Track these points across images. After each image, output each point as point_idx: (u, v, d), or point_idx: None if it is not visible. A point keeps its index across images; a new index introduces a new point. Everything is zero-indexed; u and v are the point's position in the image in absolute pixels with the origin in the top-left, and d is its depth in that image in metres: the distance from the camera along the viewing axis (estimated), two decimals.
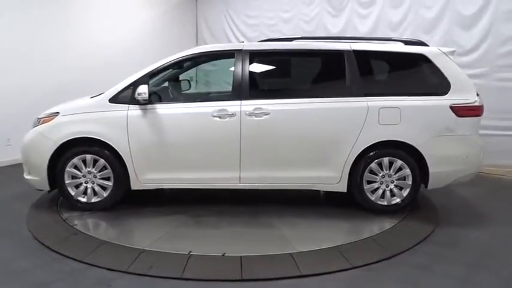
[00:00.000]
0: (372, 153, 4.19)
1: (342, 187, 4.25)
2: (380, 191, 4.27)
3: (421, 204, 4.66)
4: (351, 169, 4.20)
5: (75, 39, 7.03)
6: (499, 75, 6.13)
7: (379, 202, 4.29)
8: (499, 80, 6.14)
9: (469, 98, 4.19)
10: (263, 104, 4.15)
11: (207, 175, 4.24)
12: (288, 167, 4.22)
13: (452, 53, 4.37)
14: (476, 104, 4.20)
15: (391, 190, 4.27)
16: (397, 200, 4.28)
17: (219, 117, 4.14)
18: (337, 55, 4.26)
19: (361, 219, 4.21)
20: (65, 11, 6.92)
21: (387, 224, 4.09)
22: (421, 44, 4.39)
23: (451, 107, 4.13)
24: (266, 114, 4.13)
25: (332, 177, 4.22)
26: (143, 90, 4.05)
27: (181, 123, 4.19)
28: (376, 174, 4.24)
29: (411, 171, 4.21)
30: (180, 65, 4.52)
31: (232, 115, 4.13)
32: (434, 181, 4.22)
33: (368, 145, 4.14)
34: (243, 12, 8.75)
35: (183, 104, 4.37)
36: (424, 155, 4.13)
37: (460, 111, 4.14)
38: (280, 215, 4.25)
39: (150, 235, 3.79)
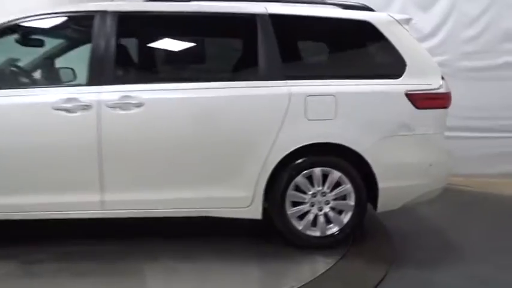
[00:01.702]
0: (297, 162, 2.88)
1: (255, 212, 2.90)
2: (310, 217, 2.96)
3: (368, 233, 3.37)
4: (267, 186, 2.87)
5: None
6: (464, 64, 5.03)
7: (309, 232, 2.97)
8: (464, 70, 5.03)
9: (432, 83, 2.97)
10: (134, 90, 2.77)
11: (49, 199, 2.79)
12: (173, 185, 2.85)
13: (408, 21, 3.15)
14: (442, 90, 2.98)
15: (326, 215, 2.96)
16: (335, 229, 2.98)
17: (66, 110, 2.72)
18: (247, 21, 2.94)
19: (281, 260, 2.87)
20: None
21: (320, 266, 2.79)
22: (366, 8, 3.14)
23: (407, 95, 2.89)
24: (138, 105, 2.74)
25: (239, 199, 2.88)
26: None
27: (2, 120, 2.74)
28: (305, 193, 2.93)
29: (354, 188, 2.93)
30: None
31: (86, 107, 2.72)
32: (385, 201, 2.95)
33: (291, 150, 2.83)
34: None
35: (6, 90, 2.83)
36: (370, 164, 2.86)
37: (420, 100, 2.91)
38: (158, 255, 2.86)
39: None
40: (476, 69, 4.97)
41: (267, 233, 3.11)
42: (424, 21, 5.15)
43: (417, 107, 2.89)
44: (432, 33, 5.16)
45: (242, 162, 2.83)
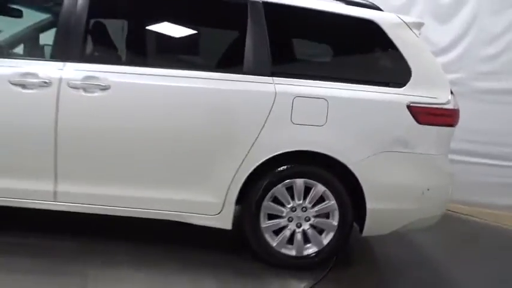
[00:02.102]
0: (278, 170, 2.55)
1: (224, 221, 2.57)
2: (287, 233, 2.62)
3: (354, 258, 3.02)
4: (240, 193, 2.53)
5: None
6: (479, 85, 4.63)
7: (284, 251, 2.63)
8: (478, 90, 4.63)
9: (439, 96, 2.62)
10: (101, 71, 2.46)
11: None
12: (134, 182, 2.53)
13: (419, 26, 2.80)
14: (450, 106, 2.63)
15: (304, 233, 2.62)
16: (313, 250, 2.64)
17: (22, 85, 2.42)
18: (236, 6, 2.62)
19: (247, 278, 2.54)
20: None
21: None
22: (373, 7, 2.80)
23: (409, 107, 2.55)
24: (104, 88, 2.43)
25: (207, 204, 2.55)
26: None
27: None
28: (283, 205, 2.59)
29: (339, 205, 2.58)
30: None
31: (45, 84, 2.41)
32: (373, 224, 2.61)
33: (271, 156, 2.50)
34: None
35: None
36: (360, 180, 2.52)
37: (423, 115, 2.56)
38: (112, 259, 2.53)
39: None
40: (491, 91, 4.57)
41: (239, 247, 2.78)
42: (441, 34, 4.77)
43: (419, 122, 2.55)
44: (448, 48, 4.77)
45: (214, 163, 2.50)
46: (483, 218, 4.34)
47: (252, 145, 2.48)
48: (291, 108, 2.49)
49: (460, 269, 3.08)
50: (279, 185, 2.56)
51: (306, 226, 2.61)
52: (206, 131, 2.49)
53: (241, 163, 2.49)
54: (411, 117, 2.54)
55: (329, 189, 2.57)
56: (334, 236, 2.61)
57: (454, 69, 4.59)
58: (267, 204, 2.57)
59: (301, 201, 2.58)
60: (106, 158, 2.49)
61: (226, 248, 2.84)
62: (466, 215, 4.45)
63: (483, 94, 4.60)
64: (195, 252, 2.74)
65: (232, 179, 2.50)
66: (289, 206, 2.59)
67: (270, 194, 2.56)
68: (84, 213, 2.55)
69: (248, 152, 2.48)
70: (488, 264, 3.25)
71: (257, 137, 2.48)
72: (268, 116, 2.49)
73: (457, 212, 4.31)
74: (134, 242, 2.76)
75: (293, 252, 2.63)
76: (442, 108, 2.60)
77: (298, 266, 2.65)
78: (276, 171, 2.55)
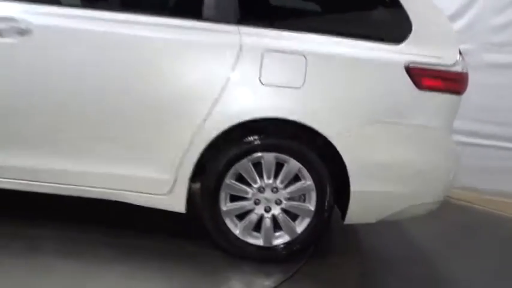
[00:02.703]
0: (243, 141, 2.07)
1: (176, 203, 2.10)
2: (253, 218, 2.15)
3: (335, 250, 2.57)
4: (196, 168, 2.06)
5: None
6: (490, 58, 4.11)
7: (249, 240, 2.17)
8: (489, 64, 4.11)
9: (444, 56, 2.12)
10: (21, 11, 1.96)
11: None
12: (62, 151, 2.05)
13: None
14: (457, 69, 2.13)
15: (275, 218, 2.16)
16: (285, 239, 2.18)
17: None
18: None
19: (198, 272, 2.08)
20: None
21: None
22: None
23: (407, 68, 2.05)
24: (24, 33, 1.93)
25: (155, 181, 2.08)
26: None
27: None
28: (249, 185, 2.12)
29: (316, 186, 2.11)
30: None
31: None
32: (358, 210, 2.14)
33: (234, 123, 2.01)
34: None
35: None
36: (342, 156, 2.04)
37: (424, 78, 2.07)
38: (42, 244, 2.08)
39: None
40: (504, 65, 4.06)
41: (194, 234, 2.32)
42: (448, 0, 4.25)
43: (419, 87, 2.06)
44: (455, 16, 4.24)
45: (162, 130, 2.03)
46: (490, 207, 3.86)
47: (211, 110, 2.00)
48: (260, 66, 2.00)
49: (458, 264, 2.62)
50: (244, 160, 2.08)
51: (276, 210, 2.15)
52: (153, 90, 2.00)
53: (197, 132, 2.01)
54: (409, 80, 2.05)
55: (305, 167, 2.09)
56: (310, 222, 2.15)
57: (463, 39, 4.05)
58: (229, 183, 2.11)
59: (270, 181, 2.11)
60: (25, 120, 2.01)
61: (179, 234, 2.37)
62: (468, 202, 3.98)
63: (496, 68, 4.09)
64: (137, 238, 2.27)
65: (186, 151, 2.03)
66: (256, 185, 2.12)
67: (232, 170, 2.09)
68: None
69: (206, 118, 2.00)
70: (492, 259, 2.78)
71: (217, 100, 2.00)
72: (231, 74, 2.00)
73: (459, 199, 3.83)
74: (63, 225, 2.28)
75: (260, 242, 2.17)
76: (447, 71, 2.11)
77: (266, 258, 2.20)
78: (241, 142, 2.07)
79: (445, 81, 2.11)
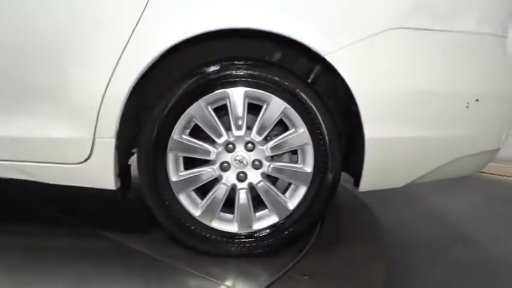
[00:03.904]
0: (196, 73, 1.33)
1: (98, 175, 1.36)
2: (220, 192, 1.41)
3: (341, 230, 1.83)
4: (124, 120, 1.32)
5: None
6: None
7: (216, 224, 1.44)
8: None
9: None
10: None
11: None
12: None
13: None
14: None
15: (254, 190, 1.42)
16: (270, 222, 1.44)
17: None
18: None
19: (137, 275, 1.34)
20: None
21: None
22: None
23: None
24: None
25: (64, 144, 1.33)
26: None
27: None
28: (212, 141, 1.38)
29: (312, 135, 1.37)
30: None
31: None
32: (378, 169, 1.40)
33: (178, 41, 1.27)
34: None
35: None
36: (349, 84, 1.30)
37: None
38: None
39: None
40: None
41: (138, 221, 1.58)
42: None
43: None
44: None
45: (68, 67, 1.28)
46: None
47: (136, 25, 1.26)
48: None
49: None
50: (201, 102, 1.35)
51: (254, 178, 1.41)
52: (50, 14, 1.27)
53: (119, 62, 1.27)
54: None
55: (294, 108, 1.36)
56: (307, 193, 1.42)
57: None
58: (179, 139, 1.37)
59: (242, 132, 1.38)
60: None
61: (120, 220, 1.63)
62: (494, 174, 3.26)
63: None
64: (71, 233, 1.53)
65: (105, 94, 1.29)
66: (220, 141, 1.38)
67: (183, 119, 1.35)
68: None
69: (129, 39, 1.26)
70: None
71: (143, 10, 1.26)
72: None
73: (493, 173, 3.09)
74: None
75: (233, 227, 1.44)
76: None
77: (244, 251, 1.46)
78: (194, 74, 1.34)
79: None
